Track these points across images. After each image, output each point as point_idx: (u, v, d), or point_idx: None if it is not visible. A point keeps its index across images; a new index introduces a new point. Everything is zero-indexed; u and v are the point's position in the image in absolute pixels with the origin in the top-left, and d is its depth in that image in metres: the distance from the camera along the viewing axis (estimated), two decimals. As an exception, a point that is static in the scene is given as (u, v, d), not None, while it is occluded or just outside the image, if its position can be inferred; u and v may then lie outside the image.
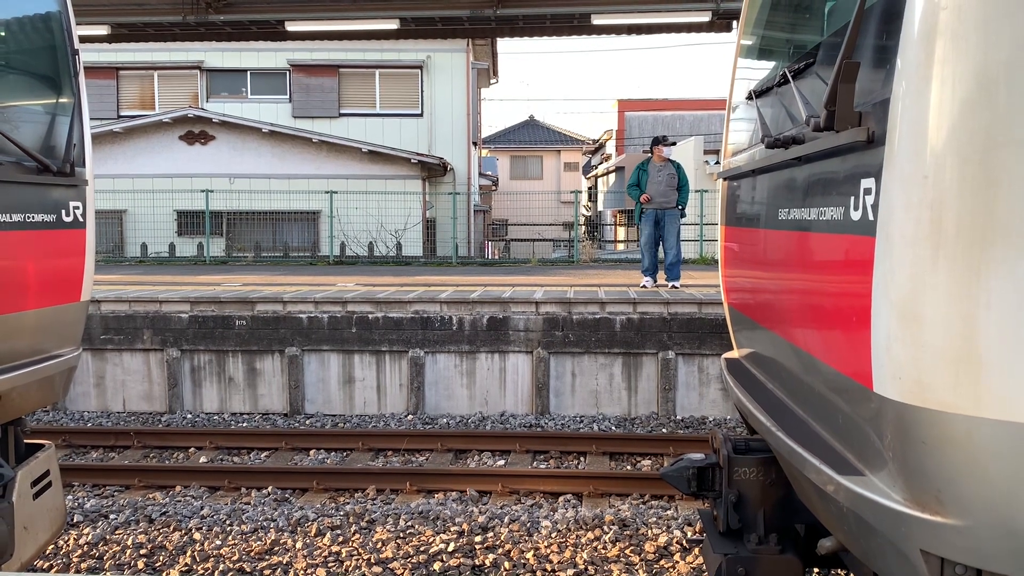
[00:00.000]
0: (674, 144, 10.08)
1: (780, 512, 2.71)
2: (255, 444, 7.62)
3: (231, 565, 4.73)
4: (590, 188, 41.08)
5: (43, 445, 3.28)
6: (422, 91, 20.11)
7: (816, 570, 3.76)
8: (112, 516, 5.52)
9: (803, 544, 2.68)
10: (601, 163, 39.54)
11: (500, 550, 4.88)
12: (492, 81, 25.62)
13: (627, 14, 11.97)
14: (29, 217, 3.01)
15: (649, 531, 5.14)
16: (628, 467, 7.01)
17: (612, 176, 34.12)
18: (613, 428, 8.19)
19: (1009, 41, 1.42)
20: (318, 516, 5.44)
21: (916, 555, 1.59)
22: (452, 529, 5.19)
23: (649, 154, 10.31)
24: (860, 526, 1.79)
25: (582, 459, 7.18)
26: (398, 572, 4.63)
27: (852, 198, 1.81)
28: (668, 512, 5.55)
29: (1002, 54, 1.43)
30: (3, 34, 3.17)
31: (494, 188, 30.52)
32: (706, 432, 7.90)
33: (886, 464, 1.67)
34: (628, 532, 5.13)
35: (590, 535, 5.08)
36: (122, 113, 20.42)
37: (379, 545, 4.96)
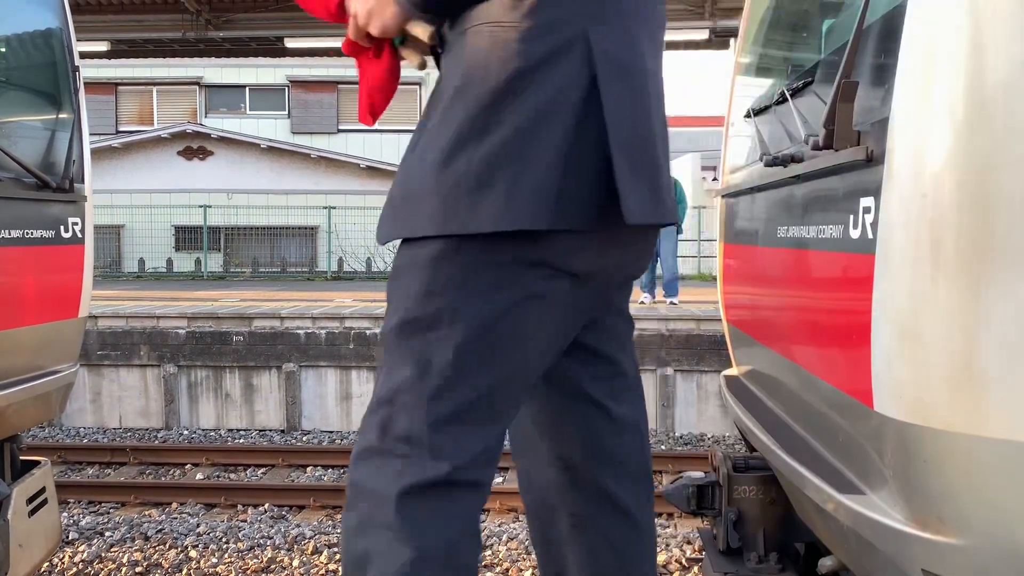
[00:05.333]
0: None
1: (780, 531, 2.69)
2: (252, 461, 7.59)
3: (227, 583, 4.70)
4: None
5: (39, 462, 3.26)
6: (420, 107, 20.20)
7: (816, 589, 3.73)
8: (108, 533, 5.48)
9: (803, 563, 2.67)
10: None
11: (498, 568, 4.86)
12: (490, 98, 25.70)
13: (625, 32, 12.04)
14: (28, 233, 3.01)
15: (648, 549, 5.11)
16: (626, 484, 6.99)
17: (610, 192, 34.14)
18: (611, 445, 8.16)
19: (1008, 62, 1.43)
20: (315, 534, 5.41)
21: (917, 575, 1.58)
22: (450, 547, 5.16)
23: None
24: (861, 545, 1.78)
25: (580, 476, 7.16)
26: (395, 590, 4.59)
27: (851, 216, 1.81)
28: (667, 530, 5.53)
29: (1001, 75, 1.44)
30: (3, 50, 3.18)
31: (492, 204, 30.54)
32: (705, 449, 7.89)
33: (887, 483, 1.67)
34: (627, 550, 5.10)
35: (588, 553, 5.05)
36: (121, 128, 20.49)
37: (376, 563, 4.92)
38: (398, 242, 1.49)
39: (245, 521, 5.93)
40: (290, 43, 12.06)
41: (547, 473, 1.66)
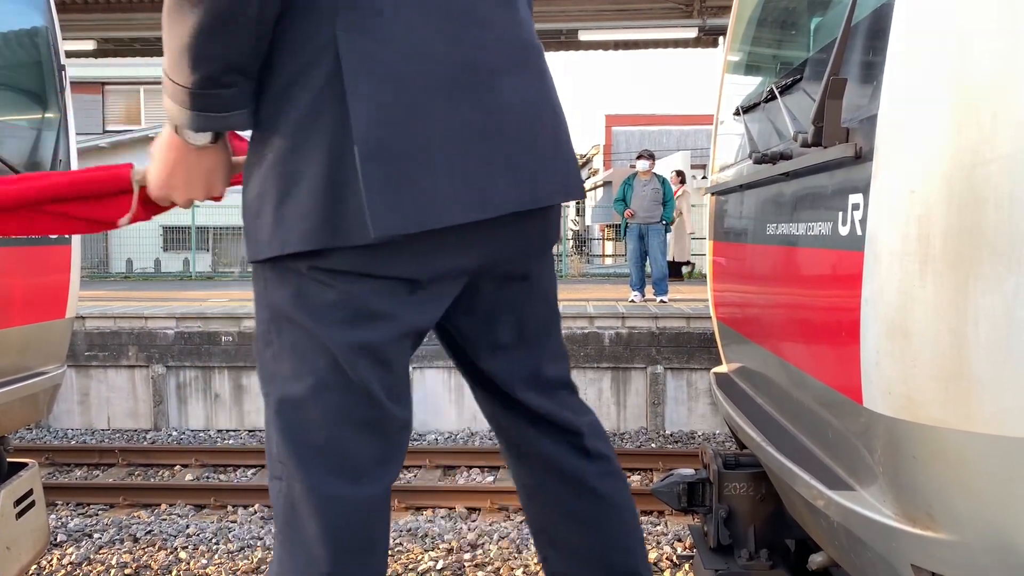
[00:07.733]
0: (645, 158, 10.22)
1: (771, 527, 2.70)
2: (242, 461, 7.56)
3: (217, 584, 4.68)
4: (578, 203, 41.19)
5: (26, 464, 3.24)
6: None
7: (806, 585, 3.74)
8: (96, 535, 5.45)
9: (794, 559, 2.67)
10: (589, 177, 39.68)
11: (490, 567, 4.85)
12: (480, 97, 25.68)
13: (614, 30, 12.09)
14: (14, 233, 2.98)
15: (639, 547, 5.11)
16: (617, 482, 6.99)
17: (600, 191, 34.24)
18: (602, 443, 8.16)
19: (995, 58, 1.44)
20: (305, 534, 5.39)
21: (907, 570, 1.59)
22: (441, 547, 5.15)
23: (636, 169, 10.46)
24: (851, 541, 1.78)
25: (571, 474, 7.16)
26: (386, 590, 4.58)
27: (840, 213, 1.82)
28: (658, 528, 5.54)
29: (988, 71, 1.44)
30: (-12, 49, 3.16)
31: (482, 203, 30.47)
32: (695, 447, 7.90)
33: (876, 479, 1.67)
34: (618, 548, 5.10)
35: (580, 551, 5.05)
36: (108, 128, 20.36)
37: (367, 563, 4.91)
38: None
39: (235, 522, 5.90)
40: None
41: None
